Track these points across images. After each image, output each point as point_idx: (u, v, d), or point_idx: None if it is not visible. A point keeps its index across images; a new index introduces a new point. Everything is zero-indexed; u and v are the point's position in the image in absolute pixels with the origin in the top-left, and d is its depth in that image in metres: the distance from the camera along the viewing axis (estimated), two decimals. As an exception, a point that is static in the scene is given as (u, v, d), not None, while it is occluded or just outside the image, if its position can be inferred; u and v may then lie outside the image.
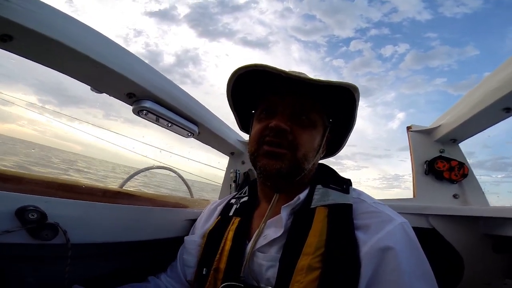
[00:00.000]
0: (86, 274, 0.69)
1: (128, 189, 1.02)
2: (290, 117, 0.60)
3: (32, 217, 0.52)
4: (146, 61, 0.76)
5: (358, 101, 0.58)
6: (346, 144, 0.73)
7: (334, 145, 0.73)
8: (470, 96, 0.99)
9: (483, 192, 1.12)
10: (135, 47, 53.18)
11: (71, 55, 0.59)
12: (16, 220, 0.51)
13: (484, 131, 1.05)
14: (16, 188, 0.55)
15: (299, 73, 0.59)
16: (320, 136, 0.63)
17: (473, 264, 0.99)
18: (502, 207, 0.90)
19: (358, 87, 0.55)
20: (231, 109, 0.71)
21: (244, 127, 0.77)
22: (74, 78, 0.68)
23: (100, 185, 0.86)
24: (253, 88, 0.64)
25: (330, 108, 0.64)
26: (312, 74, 0.59)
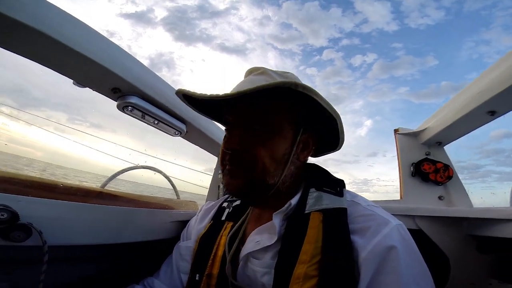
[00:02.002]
0: (64, 278, 0.64)
1: (111, 189, 0.97)
2: (245, 130, 0.55)
3: (1, 217, 0.48)
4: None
5: (317, 95, 0.51)
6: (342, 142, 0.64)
7: (331, 141, 0.66)
8: (456, 99, 1.01)
9: (467, 194, 1.15)
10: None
11: (53, 46, 0.55)
12: (-18, 221, 0.47)
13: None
14: (-16, 186, 0.51)
15: (257, 70, 0.58)
16: (288, 140, 0.57)
17: (459, 265, 1.00)
18: (485, 208, 0.93)
19: (298, 80, 0.50)
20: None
21: None
22: (56, 71, 0.64)
23: (81, 184, 0.82)
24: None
25: (301, 107, 0.57)
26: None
